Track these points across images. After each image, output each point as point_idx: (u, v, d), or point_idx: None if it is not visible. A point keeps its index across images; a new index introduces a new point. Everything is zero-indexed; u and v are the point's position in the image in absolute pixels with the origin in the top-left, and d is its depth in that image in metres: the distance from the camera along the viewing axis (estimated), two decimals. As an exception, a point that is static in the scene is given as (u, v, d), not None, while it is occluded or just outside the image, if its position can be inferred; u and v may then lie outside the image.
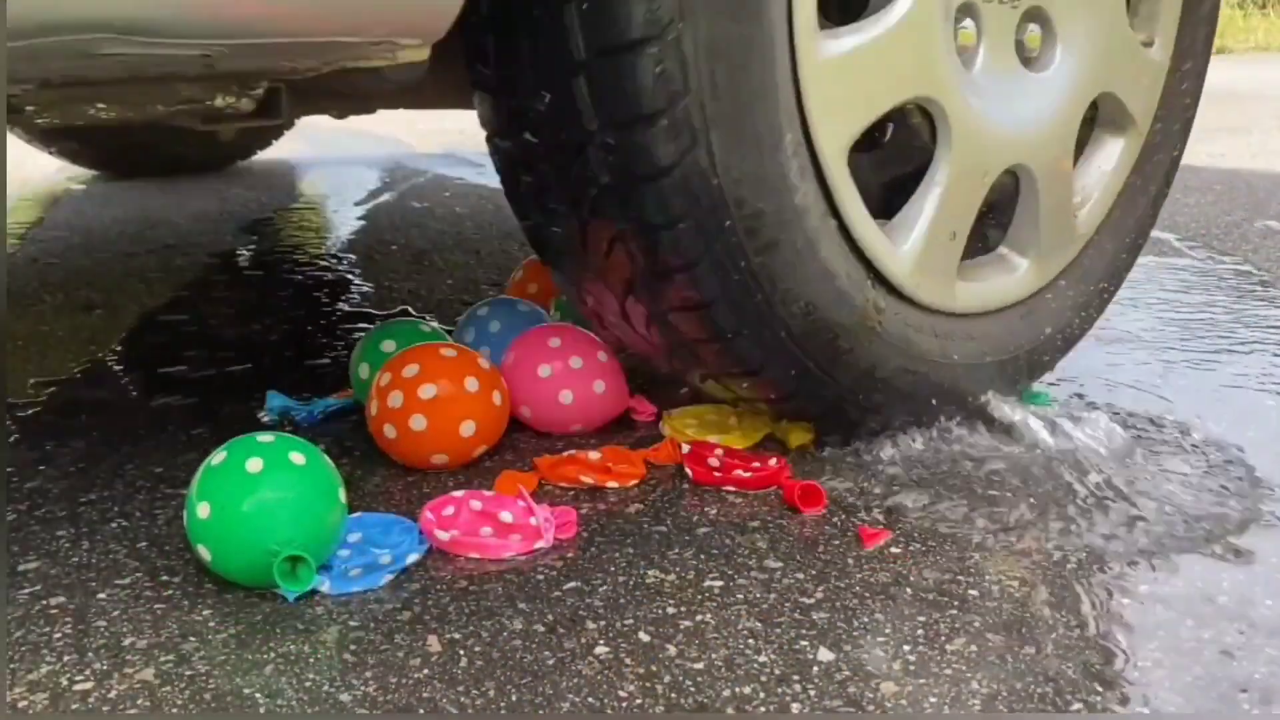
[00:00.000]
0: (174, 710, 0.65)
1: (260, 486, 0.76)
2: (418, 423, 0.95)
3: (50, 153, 2.77)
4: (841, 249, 0.92)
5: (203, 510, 0.76)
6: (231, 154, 2.94)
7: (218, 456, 0.78)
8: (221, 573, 0.78)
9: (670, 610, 0.76)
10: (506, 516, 0.85)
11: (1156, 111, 1.13)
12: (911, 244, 0.96)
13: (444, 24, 0.79)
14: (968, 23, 0.96)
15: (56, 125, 0.84)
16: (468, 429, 0.96)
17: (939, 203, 0.96)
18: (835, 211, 0.91)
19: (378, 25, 0.77)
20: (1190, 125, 1.19)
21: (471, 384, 0.97)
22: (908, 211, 0.97)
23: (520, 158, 0.94)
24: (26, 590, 0.79)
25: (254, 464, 0.77)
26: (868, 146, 0.96)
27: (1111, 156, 1.12)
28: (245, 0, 0.70)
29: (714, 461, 0.95)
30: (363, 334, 1.12)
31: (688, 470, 0.96)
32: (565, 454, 0.98)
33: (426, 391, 0.95)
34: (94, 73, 0.76)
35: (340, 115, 1.10)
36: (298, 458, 0.78)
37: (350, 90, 1.00)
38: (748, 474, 0.94)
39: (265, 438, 0.79)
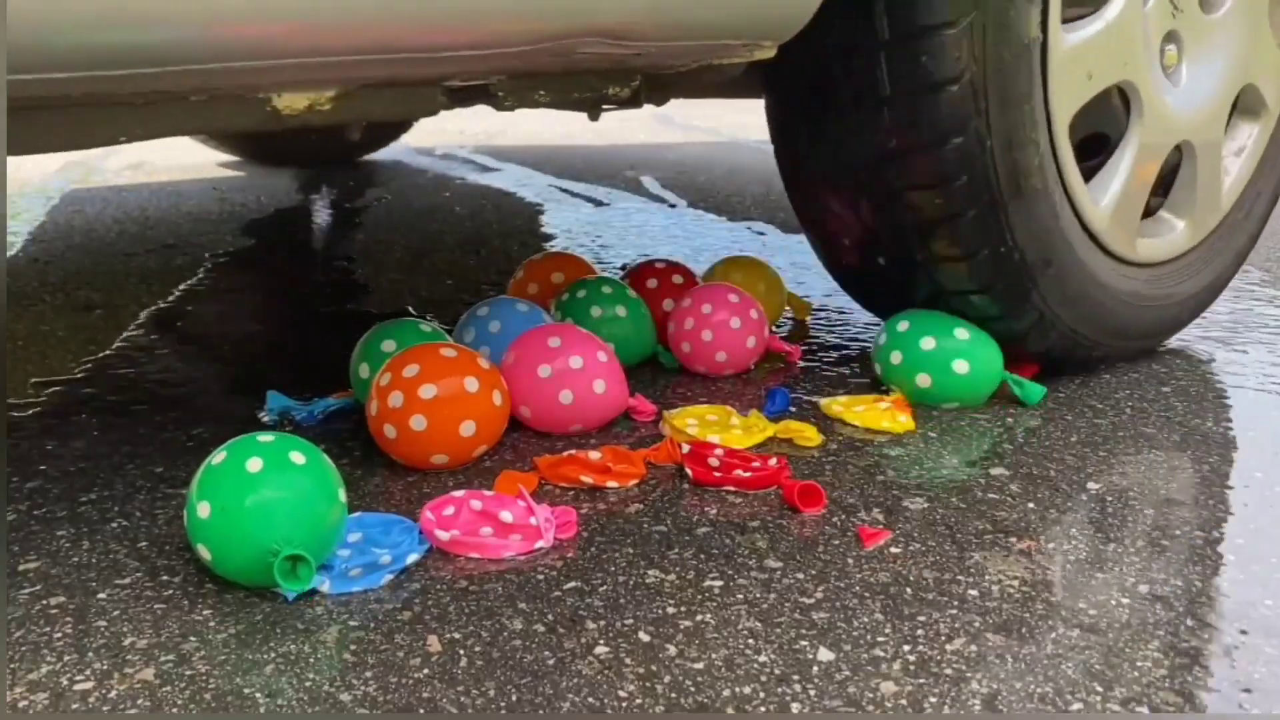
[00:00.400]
0: (174, 710, 0.65)
1: (260, 486, 0.76)
2: (418, 423, 0.95)
3: (207, 144, 3.09)
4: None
5: (203, 510, 0.76)
6: (360, 149, 3.15)
7: (218, 456, 0.78)
8: (222, 573, 0.78)
9: (670, 610, 0.76)
10: (507, 516, 0.85)
11: (1226, 216, 1.32)
12: (1071, 39, 1.10)
13: (797, 28, 0.97)
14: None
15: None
16: (468, 429, 0.96)
17: (1102, 33, 1.12)
18: None
19: (753, 29, 0.97)
20: (1261, 230, 1.38)
21: (471, 384, 0.97)
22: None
23: (803, 121, 1.18)
24: (26, 590, 0.79)
25: (254, 464, 0.77)
26: None
27: (1173, 229, 1.27)
28: (700, 8, 0.91)
29: (714, 461, 0.95)
30: (363, 334, 1.12)
31: (688, 470, 0.96)
32: (565, 454, 0.98)
33: (427, 391, 0.95)
34: (548, 68, 0.97)
35: (659, 103, 1.32)
36: (298, 457, 0.78)
37: (686, 82, 1.17)
38: (748, 474, 0.94)
39: (265, 438, 0.79)
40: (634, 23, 0.88)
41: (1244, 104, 1.30)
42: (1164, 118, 1.19)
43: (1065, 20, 1.09)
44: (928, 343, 1.11)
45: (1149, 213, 1.25)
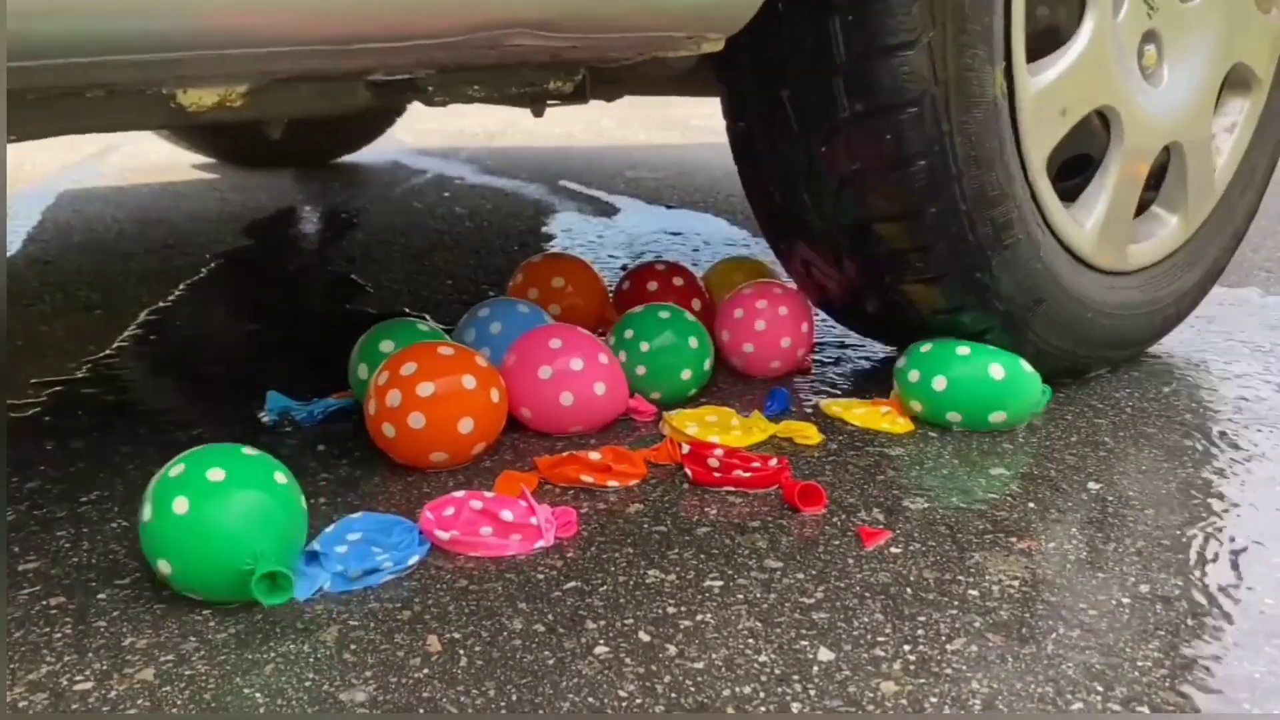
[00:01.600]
0: (174, 710, 0.65)
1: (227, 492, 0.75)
2: (416, 420, 0.95)
3: (180, 145, 3.01)
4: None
5: (179, 506, 0.74)
6: (336, 150, 3.08)
7: (174, 468, 0.77)
8: (185, 585, 0.76)
9: (670, 610, 0.76)
10: (507, 516, 0.85)
11: (1222, 197, 1.30)
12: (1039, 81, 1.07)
13: (743, 22, 0.96)
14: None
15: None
16: (466, 426, 0.96)
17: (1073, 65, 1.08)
18: None
19: (697, 21, 0.95)
20: (1258, 204, 1.36)
21: (469, 381, 0.97)
22: None
23: (761, 134, 1.11)
24: (26, 590, 0.79)
25: (215, 474, 0.75)
26: None
27: (1166, 225, 1.25)
28: (622, 4, 0.88)
29: (714, 461, 0.95)
30: (362, 334, 1.12)
31: (687, 470, 0.96)
32: (565, 454, 0.98)
33: (424, 389, 0.95)
34: (477, 61, 0.94)
35: (610, 99, 1.31)
36: (249, 451, 0.78)
37: (633, 77, 1.14)
38: (748, 474, 0.94)
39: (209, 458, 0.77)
40: (553, 14, 0.84)
41: (1233, 80, 1.26)
42: (1147, 128, 1.16)
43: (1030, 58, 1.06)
44: (954, 417, 1.06)
45: (1142, 207, 1.23)
